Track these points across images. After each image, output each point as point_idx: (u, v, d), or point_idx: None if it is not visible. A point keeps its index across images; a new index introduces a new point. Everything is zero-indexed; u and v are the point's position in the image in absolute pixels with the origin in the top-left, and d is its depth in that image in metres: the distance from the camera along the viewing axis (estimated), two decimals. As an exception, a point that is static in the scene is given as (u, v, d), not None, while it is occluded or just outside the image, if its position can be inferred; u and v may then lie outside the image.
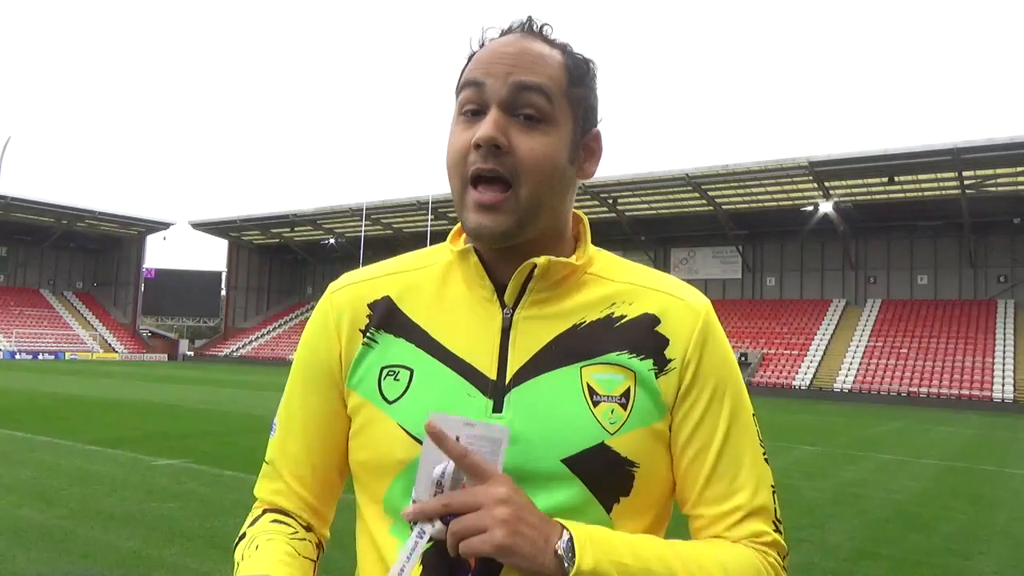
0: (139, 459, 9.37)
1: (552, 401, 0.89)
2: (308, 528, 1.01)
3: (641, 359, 0.92)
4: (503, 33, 0.95)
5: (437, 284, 0.99)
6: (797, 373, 36.84)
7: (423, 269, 1.02)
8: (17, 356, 47.63)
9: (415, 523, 0.79)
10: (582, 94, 0.95)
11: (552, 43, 0.95)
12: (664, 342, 0.93)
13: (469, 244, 0.97)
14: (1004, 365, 32.70)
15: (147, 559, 5.20)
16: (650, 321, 0.94)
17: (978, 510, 8.34)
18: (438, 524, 0.78)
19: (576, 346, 0.92)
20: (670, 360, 0.92)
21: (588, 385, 0.90)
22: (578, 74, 0.94)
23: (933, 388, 32.66)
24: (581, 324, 0.94)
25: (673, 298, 0.96)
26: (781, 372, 37.34)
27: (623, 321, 0.94)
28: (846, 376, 35.45)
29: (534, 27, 0.95)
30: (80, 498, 7.03)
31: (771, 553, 0.91)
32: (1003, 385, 31.49)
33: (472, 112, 0.91)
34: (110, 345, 55.37)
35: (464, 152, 0.90)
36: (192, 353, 58.63)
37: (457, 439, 0.79)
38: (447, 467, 0.79)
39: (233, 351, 56.00)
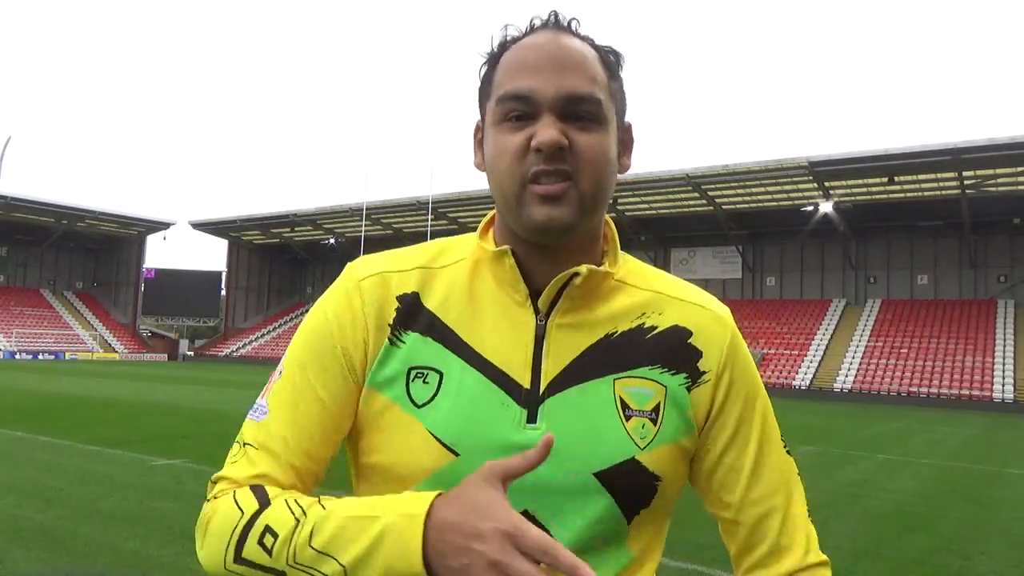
0: (139, 459, 9.37)
1: (586, 414, 0.88)
2: None
3: (673, 374, 0.92)
4: (529, 31, 0.91)
5: (467, 283, 0.95)
6: (797, 373, 36.83)
7: (453, 265, 0.97)
8: (17, 356, 47.59)
9: None
10: (618, 87, 0.93)
11: (582, 38, 0.91)
12: (697, 355, 0.94)
13: (506, 246, 0.92)
14: (1004, 365, 32.68)
15: (147, 559, 5.20)
16: (682, 334, 0.94)
17: (978, 510, 8.34)
18: None
19: (609, 357, 0.91)
20: (704, 372, 0.93)
21: (621, 398, 0.89)
22: (613, 68, 0.92)
23: (933, 388, 32.64)
24: (613, 334, 0.93)
25: (700, 308, 0.97)
26: (781, 372, 37.32)
27: (654, 332, 0.94)
28: (846, 376, 35.43)
29: (562, 22, 0.91)
30: (80, 498, 7.03)
31: (820, 572, 0.94)
32: (1003, 385, 31.48)
33: (518, 117, 0.87)
34: (110, 345, 55.35)
35: (519, 156, 0.86)
36: (192, 353, 58.59)
37: None
38: None
39: (233, 351, 55.97)
